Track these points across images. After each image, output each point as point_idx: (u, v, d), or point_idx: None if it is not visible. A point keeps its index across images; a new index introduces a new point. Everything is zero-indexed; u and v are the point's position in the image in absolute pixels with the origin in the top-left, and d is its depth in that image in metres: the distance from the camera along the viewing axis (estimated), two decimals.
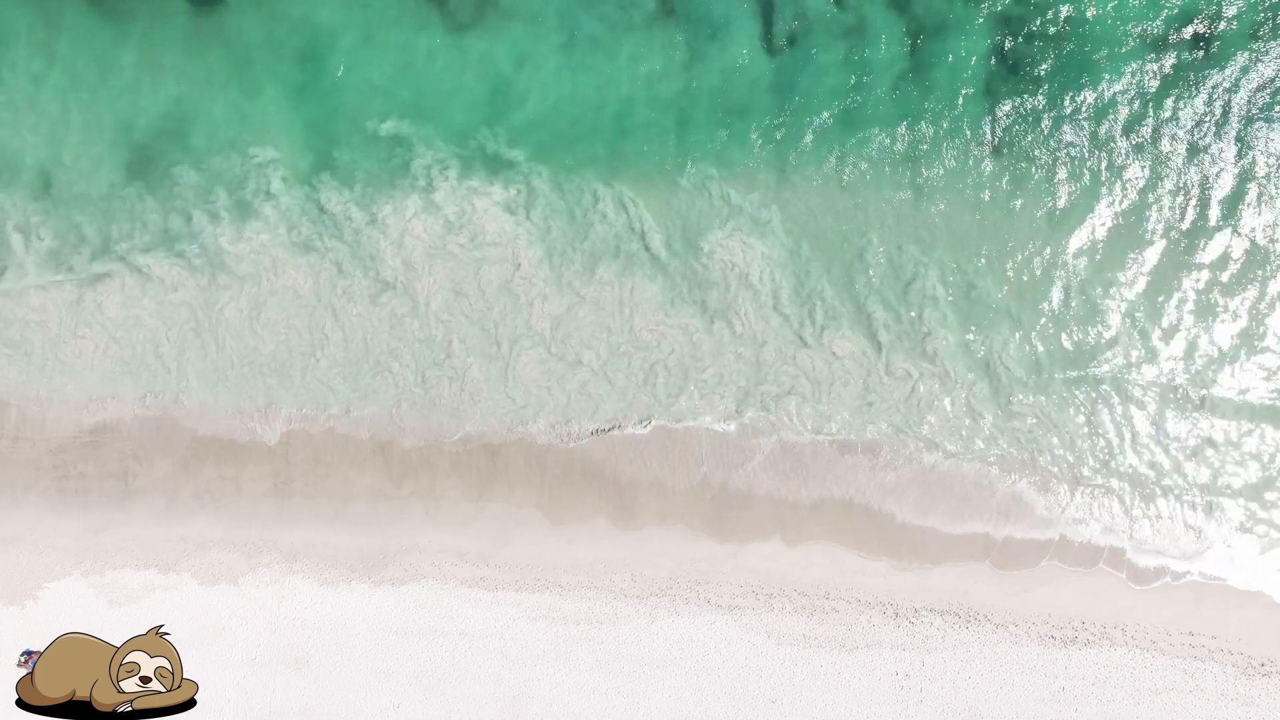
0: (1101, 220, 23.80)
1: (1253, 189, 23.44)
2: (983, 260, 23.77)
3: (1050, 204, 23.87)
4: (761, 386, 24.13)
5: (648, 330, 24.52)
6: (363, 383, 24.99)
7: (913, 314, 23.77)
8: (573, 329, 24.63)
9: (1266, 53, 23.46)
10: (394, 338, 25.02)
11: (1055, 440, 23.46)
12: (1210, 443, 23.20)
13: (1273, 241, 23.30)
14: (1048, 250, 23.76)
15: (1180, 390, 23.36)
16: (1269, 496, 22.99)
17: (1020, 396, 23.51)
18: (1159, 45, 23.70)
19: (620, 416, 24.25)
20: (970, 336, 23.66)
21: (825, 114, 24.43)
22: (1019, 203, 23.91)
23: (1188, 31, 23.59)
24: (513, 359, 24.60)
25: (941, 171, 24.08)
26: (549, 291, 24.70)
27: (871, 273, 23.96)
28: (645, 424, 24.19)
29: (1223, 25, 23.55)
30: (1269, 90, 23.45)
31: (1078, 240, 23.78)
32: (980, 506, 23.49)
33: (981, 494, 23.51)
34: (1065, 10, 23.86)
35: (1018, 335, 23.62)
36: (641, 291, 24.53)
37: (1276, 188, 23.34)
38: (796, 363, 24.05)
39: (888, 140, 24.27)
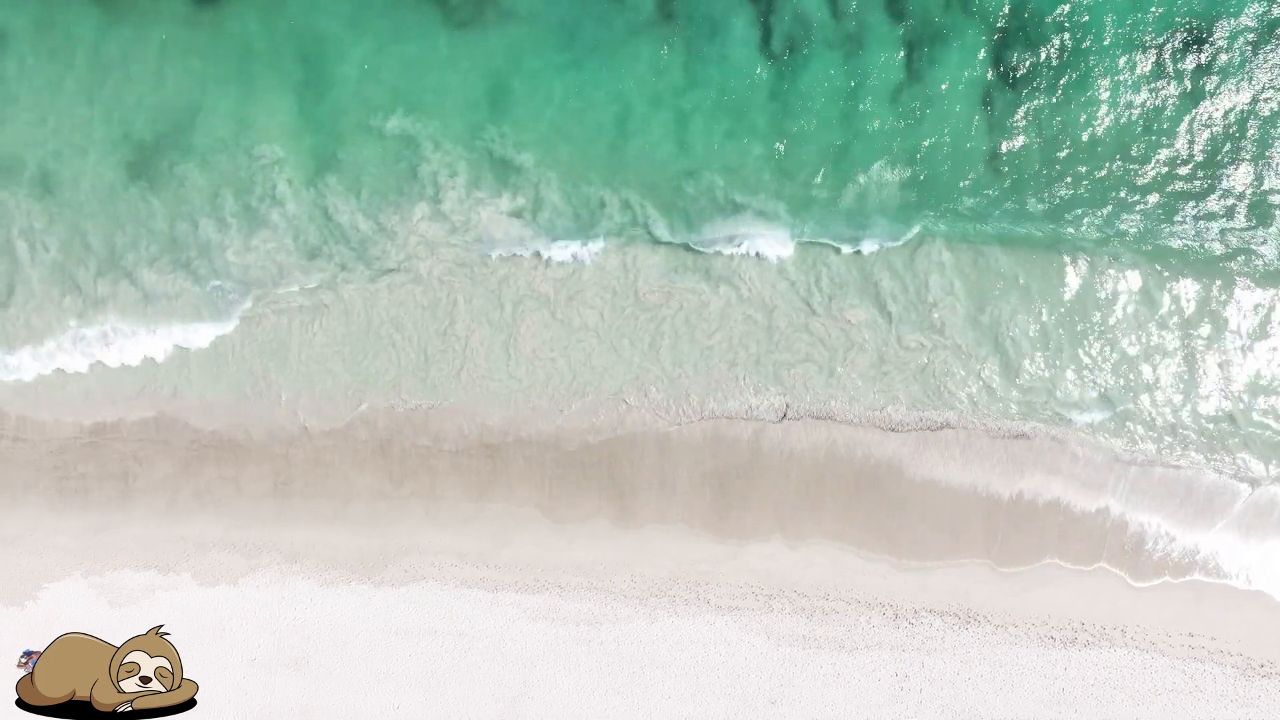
0: (1094, 215, 23.90)
1: (1239, 187, 23.57)
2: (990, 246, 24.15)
3: (1048, 204, 23.98)
4: (774, 354, 24.33)
5: (652, 293, 24.63)
6: (364, 364, 25.05)
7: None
8: (576, 290, 24.73)
9: (1263, 62, 23.53)
10: (394, 302, 25.05)
11: (1065, 406, 23.61)
12: (1229, 419, 23.26)
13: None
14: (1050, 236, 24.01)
15: (1191, 362, 23.45)
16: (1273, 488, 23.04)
17: (1030, 366, 23.72)
18: (1156, 54, 23.75)
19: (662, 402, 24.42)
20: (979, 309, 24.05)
21: (824, 117, 24.49)
22: (1021, 200, 24.03)
23: (1187, 42, 23.66)
24: (516, 323, 24.70)
25: (942, 170, 24.16)
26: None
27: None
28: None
29: (1221, 34, 23.61)
30: (1267, 95, 23.53)
31: (1077, 229, 23.91)
32: (992, 462, 23.62)
33: (995, 452, 23.68)
34: (1063, 17, 23.91)
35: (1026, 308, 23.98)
36: (645, 259, 24.68)
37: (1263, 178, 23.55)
38: (810, 330, 24.23)
39: (887, 141, 24.34)
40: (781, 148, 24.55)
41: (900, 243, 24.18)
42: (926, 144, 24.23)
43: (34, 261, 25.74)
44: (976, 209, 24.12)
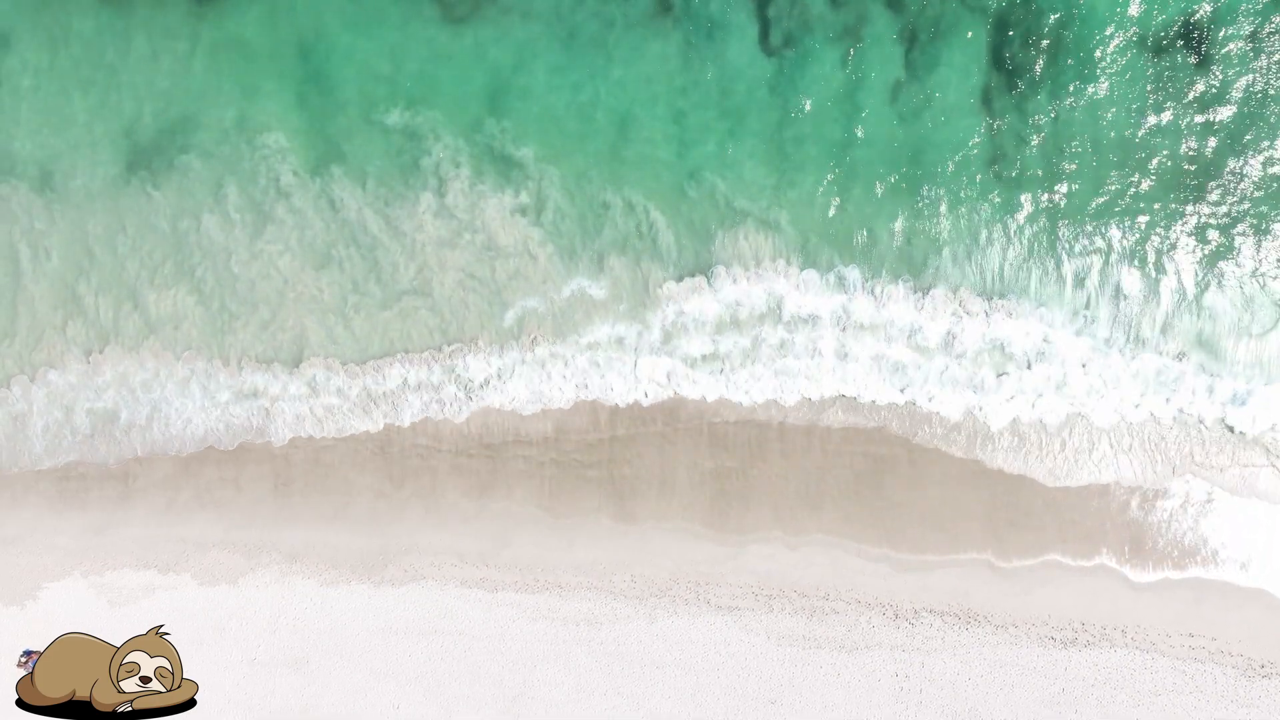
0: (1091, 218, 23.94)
1: (1235, 185, 23.58)
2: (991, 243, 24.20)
3: (1046, 203, 23.98)
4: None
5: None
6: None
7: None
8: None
9: (1260, 57, 23.51)
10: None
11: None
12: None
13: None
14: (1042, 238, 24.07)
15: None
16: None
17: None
18: (1153, 49, 23.74)
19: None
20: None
21: (824, 115, 24.49)
22: (1019, 200, 24.05)
23: (1184, 36, 23.64)
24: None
25: (941, 170, 24.17)
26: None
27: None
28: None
29: (1218, 29, 23.58)
30: (1263, 92, 23.51)
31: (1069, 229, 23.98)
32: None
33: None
34: (1061, 14, 23.93)
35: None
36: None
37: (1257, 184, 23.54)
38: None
39: (886, 139, 24.34)
40: (782, 144, 24.53)
41: None
42: (925, 135, 24.24)
43: (36, 273, 25.73)
44: None
